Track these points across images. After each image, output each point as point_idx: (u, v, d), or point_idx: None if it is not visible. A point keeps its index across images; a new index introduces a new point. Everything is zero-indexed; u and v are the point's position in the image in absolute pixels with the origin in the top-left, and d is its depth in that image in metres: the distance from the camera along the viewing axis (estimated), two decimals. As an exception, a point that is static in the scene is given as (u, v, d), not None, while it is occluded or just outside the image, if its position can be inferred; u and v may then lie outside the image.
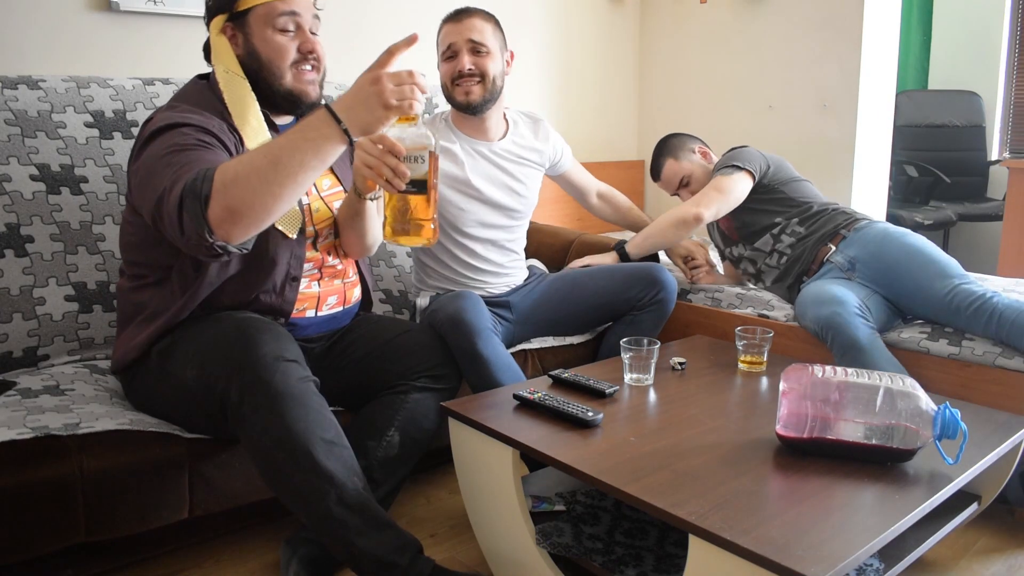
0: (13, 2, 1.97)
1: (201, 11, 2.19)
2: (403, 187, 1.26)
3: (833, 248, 2.05)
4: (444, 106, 2.43)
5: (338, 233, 1.63)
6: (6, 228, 1.67)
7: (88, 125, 1.81)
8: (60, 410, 1.40)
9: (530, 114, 2.15)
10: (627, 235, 2.30)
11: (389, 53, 1.22)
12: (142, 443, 1.38)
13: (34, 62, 2.00)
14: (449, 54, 1.90)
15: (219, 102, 1.46)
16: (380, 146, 1.26)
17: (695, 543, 1.04)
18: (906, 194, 4.01)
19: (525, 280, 2.07)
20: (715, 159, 2.27)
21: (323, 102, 1.29)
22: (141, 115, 1.88)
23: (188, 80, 1.57)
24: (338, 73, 2.60)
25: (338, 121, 1.19)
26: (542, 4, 3.15)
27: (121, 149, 1.83)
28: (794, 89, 3.06)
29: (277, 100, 1.49)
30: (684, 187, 2.28)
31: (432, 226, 1.32)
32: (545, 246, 2.43)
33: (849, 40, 2.88)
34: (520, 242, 2.10)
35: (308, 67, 1.49)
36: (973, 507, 1.41)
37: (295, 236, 1.49)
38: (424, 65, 2.69)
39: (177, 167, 1.26)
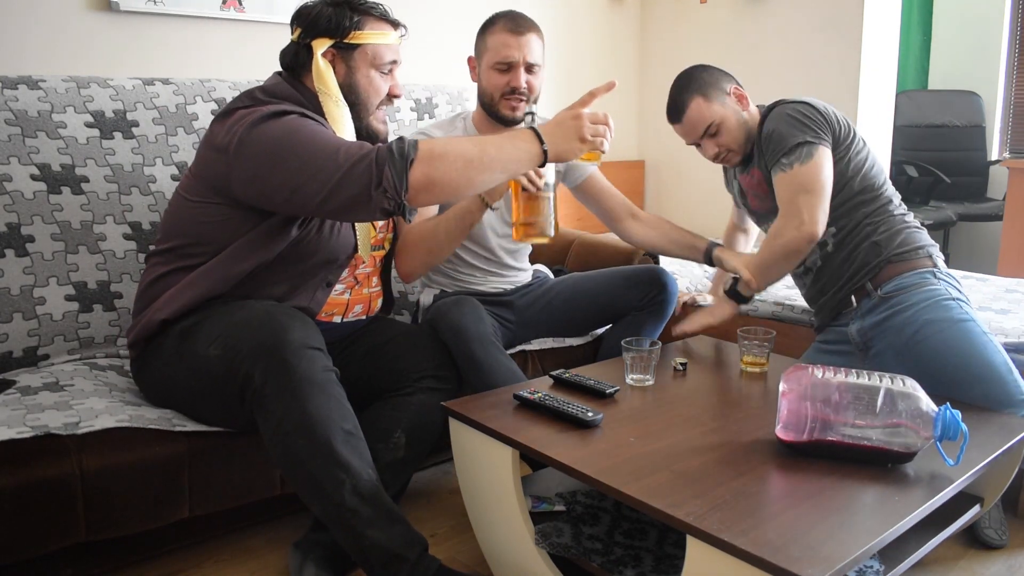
0: (13, 2, 1.97)
1: (200, 11, 2.21)
2: (542, 187, 1.52)
3: (855, 304, 1.72)
4: (440, 105, 2.43)
5: (378, 248, 1.70)
6: (7, 228, 1.67)
7: (88, 125, 1.81)
8: (59, 407, 1.40)
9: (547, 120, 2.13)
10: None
11: (591, 95, 1.44)
12: (142, 442, 1.38)
13: (34, 62, 2.00)
14: (503, 67, 1.83)
15: (311, 108, 1.49)
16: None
17: (693, 544, 1.04)
18: (906, 194, 3.98)
19: (528, 282, 2.08)
20: (753, 107, 1.84)
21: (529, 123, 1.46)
22: (141, 115, 1.88)
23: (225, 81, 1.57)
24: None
25: (541, 141, 1.37)
26: (542, 4, 3.15)
27: (122, 149, 1.83)
28: (794, 89, 3.05)
29: (358, 134, 1.55)
30: (710, 136, 1.81)
31: (557, 221, 1.57)
32: (545, 246, 2.43)
33: (849, 40, 2.88)
34: (527, 249, 2.09)
35: (385, 108, 1.59)
36: (975, 509, 1.41)
37: (366, 260, 1.62)
38: (410, 53, 2.67)
39: (328, 139, 1.36)
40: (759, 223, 1.97)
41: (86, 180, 1.78)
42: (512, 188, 1.55)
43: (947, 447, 1.20)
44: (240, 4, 2.29)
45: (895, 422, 1.19)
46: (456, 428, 1.45)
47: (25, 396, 1.46)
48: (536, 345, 1.99)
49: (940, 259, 1.74)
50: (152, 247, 1.56)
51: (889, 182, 1.83)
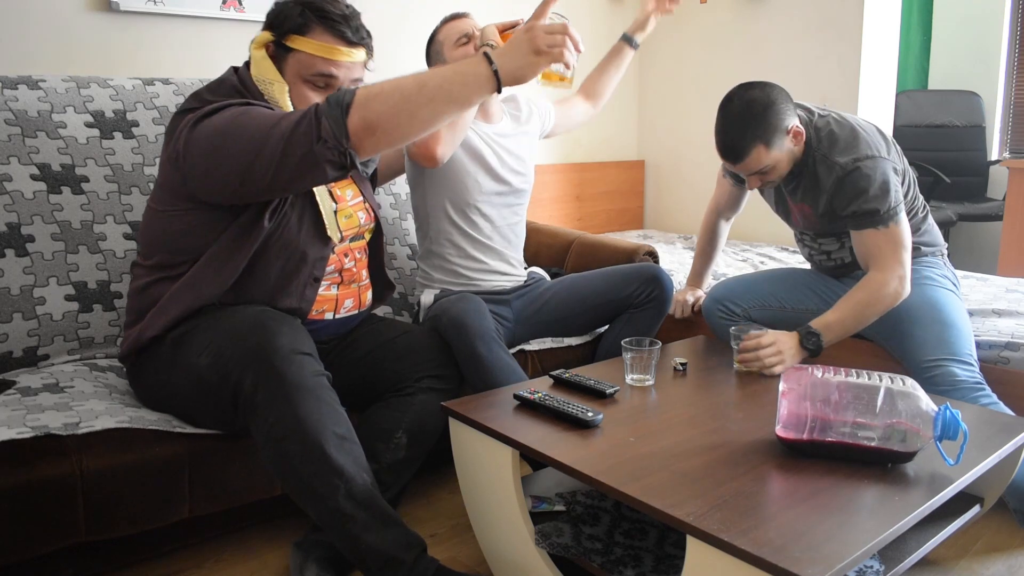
0: (13, 2, 1.97)
1: (200, 11, 2.21)
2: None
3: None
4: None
5: (358, 238, 1.66)
6: (7, 228, 1.67)
7: (88, 125, 1.81)
8: (60, 408, 1.40)
9: (507, 98, 2.17)
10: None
11: (544, 4, 1.30)
12: (142, 442, 1.38)
13: (34, 62, 2.00)
14: (464, 40, 1.91)
15: (254, 95, 1.46)
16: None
17: (693, 544, 1.04)
18: (906, 194, 4.00)
19: (525, 282, 2.08)
20: (802, 130, 1.77)
21: None
22: (141, 115, 1.88)
23: (186, 78, 1.56)
24: (379, 75, 2.62)
25: (490, 62, 1.25)
26: (542, 4, 3.15)
27: (122, 149, 1.83)
28: (794, 89, 3.02)
29: None
30: (760, 174, 1.79)
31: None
32: (545, 246, 2.43)
33: (849, 40, 2.88)
34: (520, 232, 2.10)
35: None
36: (975, 509, 1.41)
37: (338, 241, 1.56)
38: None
39: (268, 116, 1.32)
40: (795, 230, 2.00)
41: (86, 180, 1.78)
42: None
43: (947, 447, 1.20)
44: (240, 4, 2.29)
45: (895, 422, 1.19)
46: (456, 428, 1.45)
47: (25, 397, 1.46)
48: (536, 345, 1.99)
49: (946, 257, 1.92)
50: (137, 256, 1.56)
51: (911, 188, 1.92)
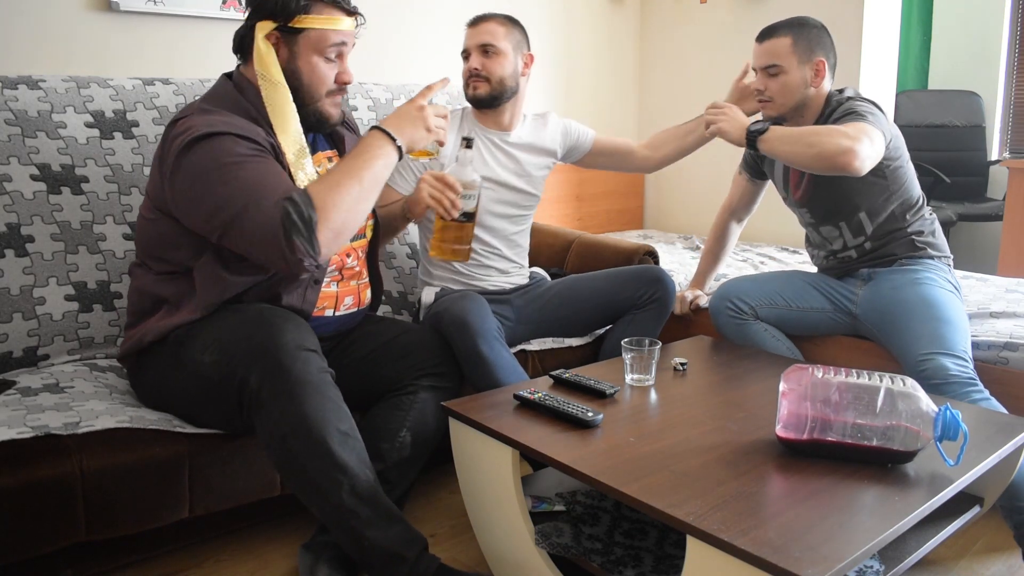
0: (13, 2, 1.97)
1: (200, 11, 2.21)
2: (456, 215, 1.60)
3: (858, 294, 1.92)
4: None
5: (359, 237, 1.68)
6: (7, 228, 1.67)
7: (88, 125, 1.81)
8: (60, 408, 1.40)
9: (539, 113, 2.16)
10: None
11: (428, 88, 1.51)
12: (142, 442, 1.38)
13: (34, 62, 2.00)
14: (464, 56, 1.98)
15: (251, 106, 1.47)
16: (442, 183, 1.57)
17: (693, 544, 1.04)
18: (906, 194, 4.00)
19: (526, 283, 2.08)
20: (826, 87, 1.89)
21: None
22: (141, 115, 1.88)
23: (195, 79, 1.57)
24: (377, 75, 2.60)
25: (393, 139, 1.42)
26: (542, 4, 3.15)
27: (122, 149, 1.83)
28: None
29: (307, 118, 1.52)
30: (769, 76, 1.87)
31: (469, 248, 1.67)
32: (545, 246, 2.43)
33: (849, 40, 2.88)
34: (524, 239, 2.11)
35: (339, 96, 1.55)
36: (975, 510, 1.41)
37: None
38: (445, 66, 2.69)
39: (245, 184, 1.33)
40: (801, 212, 2.01)
41: (86, 180, 1.78)
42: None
43: (947, 447, 1.20)
44: (240, 4, 2.29)
45: (895, 422, 1.19)
46: (456, 428, 1.45)
47: (25, 397, 1.46)
48: (536, 345, 1.99)
49: (952, 269, 1.93)
50: (136, 258, 1.57)
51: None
